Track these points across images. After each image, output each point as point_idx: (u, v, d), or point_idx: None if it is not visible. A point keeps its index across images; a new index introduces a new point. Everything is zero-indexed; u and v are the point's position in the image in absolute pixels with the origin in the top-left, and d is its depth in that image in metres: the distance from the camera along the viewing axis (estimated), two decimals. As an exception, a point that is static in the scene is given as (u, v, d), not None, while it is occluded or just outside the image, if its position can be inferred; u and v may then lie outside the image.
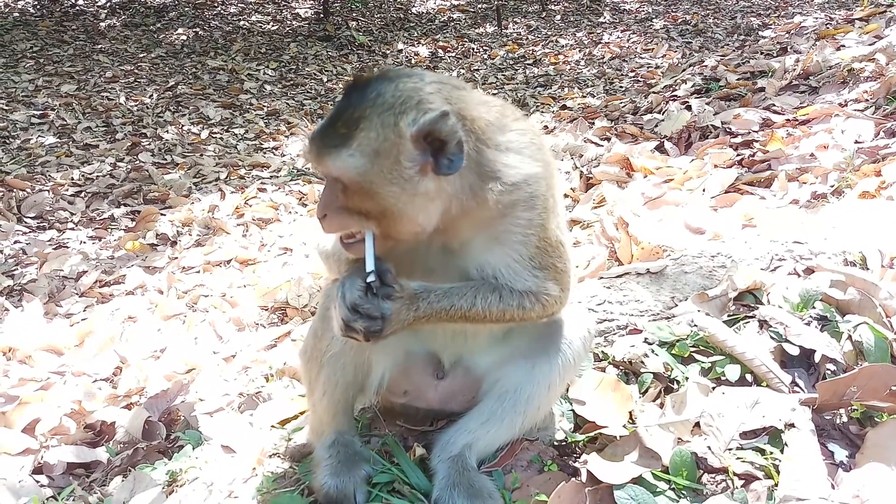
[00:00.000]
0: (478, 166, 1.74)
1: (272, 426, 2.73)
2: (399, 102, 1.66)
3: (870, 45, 6.71)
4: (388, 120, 1.65)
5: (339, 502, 1.97)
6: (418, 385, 2.13)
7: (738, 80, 7.16)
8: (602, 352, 2.50)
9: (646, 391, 2.32)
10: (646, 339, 2.52)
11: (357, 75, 1.75)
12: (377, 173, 1.65)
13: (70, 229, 6.96)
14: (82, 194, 7.80)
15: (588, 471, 1.95)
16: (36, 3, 16.19)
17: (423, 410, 2.20)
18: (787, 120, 5.58)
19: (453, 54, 15.10)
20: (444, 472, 1.95)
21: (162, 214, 7.04)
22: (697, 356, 2.42)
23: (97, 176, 8.28)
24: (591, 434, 2.15)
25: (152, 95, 11.77)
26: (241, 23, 16.46)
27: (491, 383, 2.05)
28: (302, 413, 2.72)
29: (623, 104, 8.26)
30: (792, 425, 2.07)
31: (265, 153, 9.70)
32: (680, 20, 16.12)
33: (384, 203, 1.68)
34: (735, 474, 1.95)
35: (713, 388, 2.21)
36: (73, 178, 8.15)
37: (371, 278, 1.72)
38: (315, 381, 2.07)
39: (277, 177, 8.59)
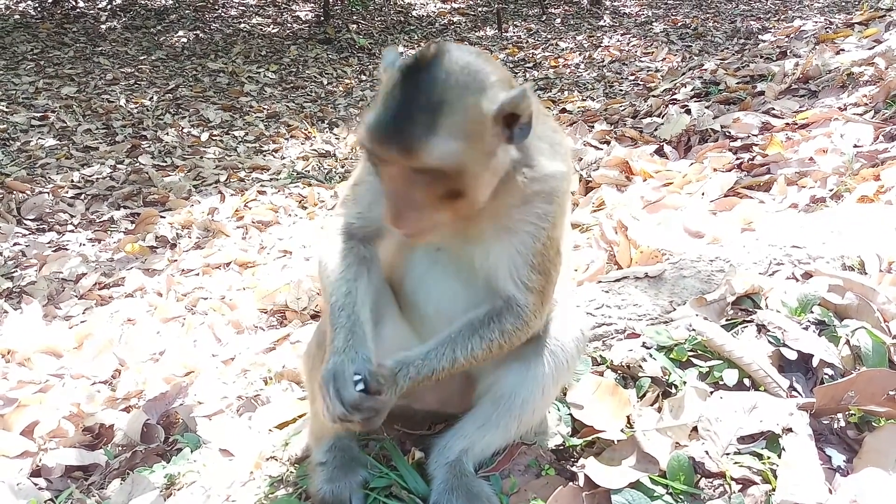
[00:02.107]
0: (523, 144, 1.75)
1: (270, 429, 2.73)
2: (472, 80, 1.63)
3: (869, 49, 6.71)
4: (469, 100, 1.61)
5: (335, 507, 1.97)
6: (417, 386, 2.13)
7: (737, 83, 7.17)
8: (600, 356, 2.50)
9: (643, 395, 2.32)
10: (644, 343, 2.52)
11: (418, 57, 1.63)
12: (469, 154, 1.61)
13: (70, 231, 6.96)
14: (82, 196, 7.80)
15: (585, 475, 1.95)
16: (37, 5, 16.22)
17: (421, 412, 2.20)
18: (787, 124, 5.58)
19: (453, 57, 15.11)
20: (442, 476, 1.95)
21: (161, 217, 7.05)
22: (695, 360, 2.42)
23: (97, 178, 8.28)
24: (589, 438, 2.15)
25: (152, 98, 11.79)
26: (242, 25, 16.49)
27: (486, 386, 2.04)
28: (301, 416, 2.73)
29: (623, 108, 8.27)
30: (790, 430, 2.07)
31: (265, 156, 9.72)
32: (680, 24, 16.15)
33: (471, 183, 1.65)
34: (732, 479, 1.95)
35: (711, 393, 2.21)
36: (72, 181, 8.15)
37: (360, 387, 1.72)
38: (317, 390, 2.07)
39: (277, 179, 8.60)
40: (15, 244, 6.46)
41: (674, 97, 7.52)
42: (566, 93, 12.18)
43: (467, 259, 1.92)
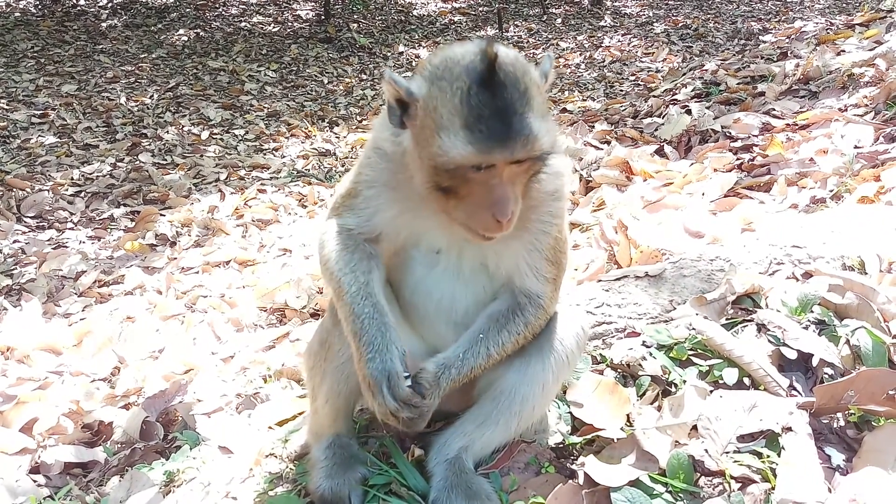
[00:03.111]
0: None
1: (270, 427, 2.73)
2: (525, 63, 1.70)
3: (870, 50, 6.71)
4: (535, 79, 1.69)
5: (334, 505, 1.97)
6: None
7: (738, 84, 7.17)
8: (600, 354, 2.50)
9: (643, 394, 2.32)
10: (644, 342, 2.52)
11: (486, 59, 1.60)
12: (552, 127, 1.70)
13: (69, 229, 6.96)
14: (82, 194, 7.80)
15: (585, 473, 1.95)
16: (37, 2, 16.21)
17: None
18: (787, 124, 5.58)
19: (454, 57, 15.09)
20: (442, 474, 1.95)
21: (161, 215, 7.04)
22: (695, 359, 2.42)
23: (97, 176, 8.28)
24: (589, 436, 2.15)
25: (153, 96, 11.78)
26: (243, 24, 16.48)
27: (487, 383, 2.05)
28: (300, 414, 2.73)
29: (623, 108, 8.27)
30: (789, 429, 2.07)
31: (265, 154, 9.71)
32: (681, 24, 16.14)
33: (548, 157, 1.73)
34: (732, 477, 1.95)
35: (711, 392, 2.21)
36: (72, 178, 8.15)
37: (409, 382, 1.78)
38: (318, 387, 2.08)
39: (277, 178, 8.60)
40: (15, 241, 6.46)
41: (674, 97, 7.52)
42: (567, 93, 12.18)
43: (471, 260, 1.93)
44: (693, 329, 2.51)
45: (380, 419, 1.83)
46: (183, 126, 10.55)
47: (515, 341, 1.94)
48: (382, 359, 1.77)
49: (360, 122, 11.30)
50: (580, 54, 14.69)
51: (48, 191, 7.65)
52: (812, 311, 2.56)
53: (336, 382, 2.02)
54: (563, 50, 15.16)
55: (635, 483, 1.91)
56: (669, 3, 18.43)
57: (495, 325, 1.92)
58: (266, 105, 11.86)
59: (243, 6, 17.66)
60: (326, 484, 1.98)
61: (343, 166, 9.17)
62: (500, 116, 1.59)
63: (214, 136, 10.30)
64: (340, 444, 2.08)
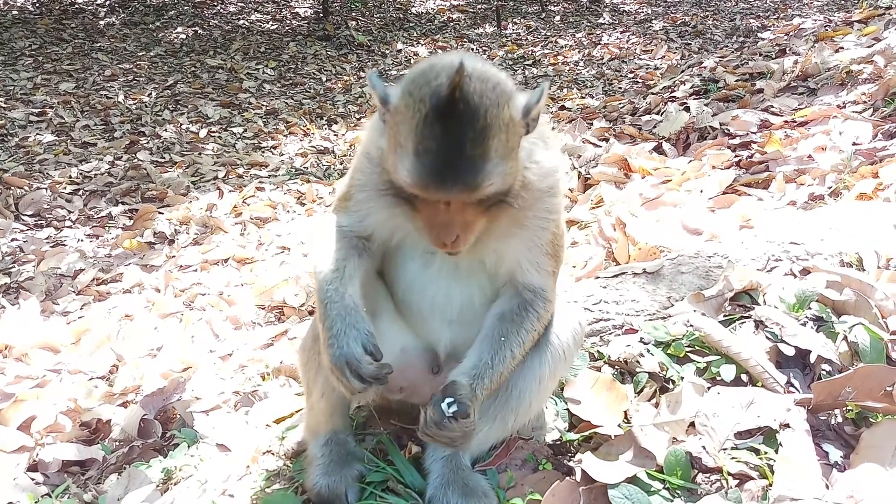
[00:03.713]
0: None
1: (267, 424, 2.73)
2: (500, 94, 1.61)
3: (868, 47, 6.71)
4: (505, 116, 1.59)
5: (331, 502, 1.98)
6: (414, 381, 2.12)
7: (736, 81, 7.16)
8: (598, 351, 2.50)
9: (641, 391, 2.33)
10: (641, 338, 2.52)
11: (449, 86, 1.52)
12: (512, 167, 1.65)
13: (68, 227, 6.95)
14: (80, 192, 7.78)
15: (582, 470, 1.95)
16: (35, 0, 16.18)
17: (418, 406, 2.19)
18: (786, 121, 5.58)
19: (453, 54, 15.06)
20: (438, 471, 1.95)
21: (160, 213, 7.03)
22: (693, 356, 2.42)
23: (95, 174, 8.27)
24: (586, 433, 2.15)
25: (151, 94, 11.76)
26: (241, 22, 16.46)
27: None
28: (298, 411, 2.73)
29: (622, 105, 8.25)
30: (787, 425, 2.07)
31: (264, 152, 9.70)
32: (679, 21, 16.13)
33: (513, 187, 1.69)
34: (729, 474, 1.95)
35: (708, 388, 2.21)
36: (71, 176, 8.14)
37: (454, 409, 1.77)
38: (313, 382, 2.08)
39: (276, 176, 8.58)
40: (13, 240, 6.45)
41: (673, 95, 7.52)
42: (565, 90, 12.15)
43: (468, 259, 1.93)
44: (691, 325, 2.51)
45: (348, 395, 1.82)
46: (181, 124, 10.54)
47: (532, 338, 1.95)
48: (340, 344, 1.77)
49: (359, 119, 11.28)
50: (579, 52, 14.66)
51: (46, 189, 7.63)
52: (810, 308, 2.56)
53: None
54: (562, 47, 15.14)
55: (633, 480, 1.91)
56: (668, 0, 18.41)
57: (511, 326, 1.92)
58: (264, 103, 11.85)
59: (241, 4, 17.63)
60: (323, 481, 1.98)
61: (341, 164, 9.16)
62: (445, 154, 1.54)
63: (213, 134, 10.29)
64: (337, 440, 2.08)
